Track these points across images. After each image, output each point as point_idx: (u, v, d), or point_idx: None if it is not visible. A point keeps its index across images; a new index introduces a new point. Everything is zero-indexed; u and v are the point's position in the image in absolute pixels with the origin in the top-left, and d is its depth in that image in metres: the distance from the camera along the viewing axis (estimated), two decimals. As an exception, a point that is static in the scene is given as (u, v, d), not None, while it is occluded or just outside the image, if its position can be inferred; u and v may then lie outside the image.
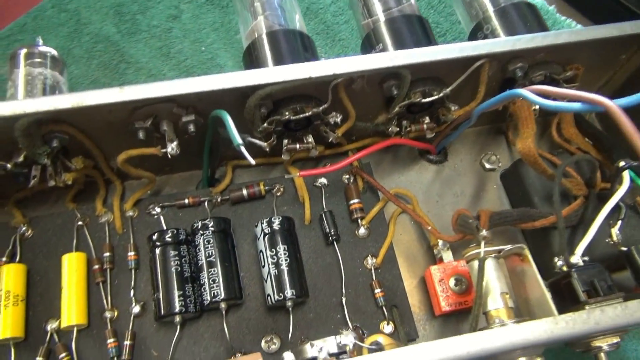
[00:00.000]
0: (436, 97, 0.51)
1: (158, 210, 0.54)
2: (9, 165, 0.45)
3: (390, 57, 0.47)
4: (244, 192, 0.55)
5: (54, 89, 0.51)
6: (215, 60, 0.84)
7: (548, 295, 0.41)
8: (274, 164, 0.61)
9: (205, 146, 0.52)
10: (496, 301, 0.42)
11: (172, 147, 0.46)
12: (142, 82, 0.55)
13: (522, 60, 0.51)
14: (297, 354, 0.37)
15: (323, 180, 0.57)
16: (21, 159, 0.45)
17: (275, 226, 0.50)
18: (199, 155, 0.55)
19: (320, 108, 0.49)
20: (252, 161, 0.39)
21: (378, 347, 0.35)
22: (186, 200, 0.54)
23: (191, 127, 0.47)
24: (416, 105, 0.54)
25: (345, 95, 0.49)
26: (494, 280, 0.42)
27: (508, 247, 0.44)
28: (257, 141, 0.39)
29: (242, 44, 0.70)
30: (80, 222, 0.53)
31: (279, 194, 0.56)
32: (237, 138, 0.38)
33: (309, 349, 0.37)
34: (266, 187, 0.55)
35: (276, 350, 0.49)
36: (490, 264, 0.43)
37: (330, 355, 0.35)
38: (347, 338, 0.35)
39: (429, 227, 0.51)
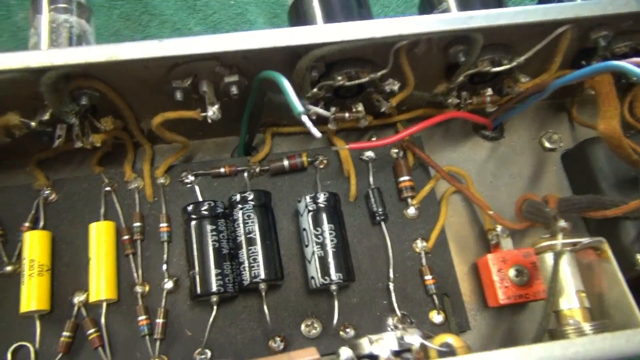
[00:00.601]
0: (507, 66, 0.45)
1: (191, 178, 0.50)
2: (33, 124, 0.41)
3: (465, 19, 0.41)
4: (285, 162, 0.50)
5: (80, 40, 0.46)
6: (245, 16, 0.78)
7: (630, 297, 0.36)
8: (315, 133, 0.56)
9: (246, 111, 0.47)
10: (570, 300, 0.38)
11: (213, 111, 0.42)
12: (169, 37, 0.49)
13: (607, 28, 0.45)
14: (352, 348, 0.33)
15: (370, 154, 0.52)
16: (46, 117, 0.41)
17: (321, 203, 0.46)
18: (237, 121, 0.50)
19: (378, 74, 0.43)
20: (318, 133, 0.34)
21: (449, 350, 0.31)
22: (222, 169, 0.50)
23: (234, 89, 0.42)
24: (480, 75, 0.48)
25: (406, 60, 0.44)
26: (568, 277, 0.38)
27: (586, 240, 0.39)
28: (320, 110, 0.35)
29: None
30: (108, 188, 0.49)
31: (321, 166, 0.51)
32: (299, 105, 0.33)
33: (367, 345, 0.33)
34: (309, 159, 0.51)
35: (317, 336, 0.46)
36: (565, 259, 0.38)
37: (395, 354, 0.31)
38: (413, 337, 0.32)
39: (491, 212, 0.46)
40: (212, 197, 0.48)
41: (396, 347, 0.32)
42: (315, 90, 0.44)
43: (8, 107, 0.41)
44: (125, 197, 0.49)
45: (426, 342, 0.31)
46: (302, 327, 0.46)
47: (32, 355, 0.34)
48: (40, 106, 0.42)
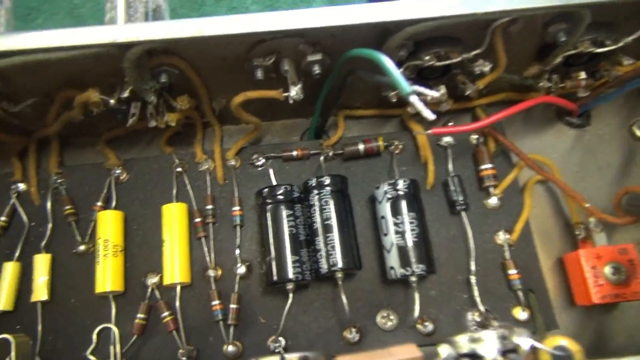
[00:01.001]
0: (611, 47, 0.41)
1: (262, 161, 0.48)
2: (112, 101, 0.40)
3: (574, -7, 0.37)
4: (361, 147, 0.48)
5: (155, 15, 0.44)
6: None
7: None
8: (387, 117, 0.53)
9: (323, 91, 0.44)
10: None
11: (295, 91, 0.40)
12: (225, 14, 0.47)
13: None
14: (450, 344, 0.31)
15: (449, 140, 0.49)
16: (126, 94, 0.39)
17: (401, 190, 0.44)
18: (309, 102, 0.48)
19: (472, 54, 0.40)
20: (431, 115, 0.31)
21: (565, 354, 0.28)
22: (294, 152, 0.48)
23: (316, 68, 0.40)
24: (575, 57, 0.45)
25: (501, 39, 0.41)
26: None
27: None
28: (428, 90, 0.32)
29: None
30: (179, 169, 0.47)
31: (397, 151, 0.49)
32: (406, 85, 0.30)
33: (466, 343, 0.31)
34: (385, 144, 0.48)
35: (393, 328, 0.44)
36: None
37: (503, 355, 0.29)
38: (522, 338, 0.29)
39: (587, 205, 0.43)
40: (283, 181, 0.47)
41: (498, 346, 0.30)
42: (400, 70, 0.41)
43: (88, 84, 0.40)
44: (196, 179, 0.48)
45: (538, 344, 0.29)
46: (378, 318, 0.44)
47: (117, 336, 0.33)
48: (118, 83, 0.40)
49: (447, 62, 0.40)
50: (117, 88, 0.41)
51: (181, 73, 0.40)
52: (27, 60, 0.34)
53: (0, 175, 0.47)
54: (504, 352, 0.30)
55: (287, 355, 0.30)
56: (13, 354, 0.32)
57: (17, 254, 0.44)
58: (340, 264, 0.42)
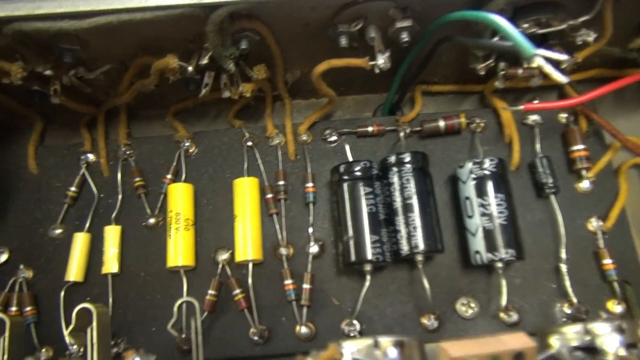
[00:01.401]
0: None
1: (335, 137, 0.46)
2: (190, 68, 0.38)
3: None
4: (441, 123, 0.45)
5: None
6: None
7: None
8: (465, 94, 0.50)
9: (405, 62, 0.42)
10: None
11: (383, 59, 0.37)
12: None
13: None
14: (559, 335, 0.28)
15: (536, 118, 0.45)
16: (205, 60, 0.38)
17: (487, 169, 0.41)
18: (385, 76, 0.46)
19: (579, 20, 0.37)
20: (563, 77, 0.28)
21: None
22: (369, 128, 0.46)
23: (404, 36, 0.38)
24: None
25: (611, 5, 0.37)
26: None
27: None
28: (554, 53, 0.29)
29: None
30: (249, 143, 0.46)
31: (478, 130, 0.46)
32: (530, 46, 0.27)
33: (579, 333, 0.28)
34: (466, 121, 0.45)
35: (474, 317, 0.41)
36: None
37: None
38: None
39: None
40: (356, 158, 0.44)
41: (622, 340, 0.27)
42: (495, 40, 0.38)
43: (165, 50, 0.38)
44: (266, 154, 0.46)
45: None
46: (457, 305, 0.42)
47: (198, 311, 0.32)
48: (196, 50, 0.39)
49: (549, 29, 0.37)
50: (195, 55, 0.39)
51: (261, 40, 0.38)
52: (110, 21, 0.33)
53: (69, 146, 0.47)
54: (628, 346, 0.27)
55: (380, 339, 0.28)
56: (95, 323, 0.31)
57: (87, 225, 0.44)
58: (422, 246, 0.39)
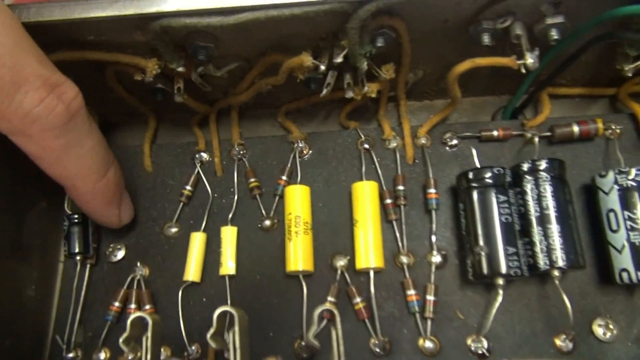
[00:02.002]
0: None
1: (455, 141, 0.44)
2: (322, 67, 0.37)
3: None
4: (575, 129, 0.42)
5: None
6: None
7: None
8: (594, 97, 0.47)
9: (542, 62, 0.39)
10: None
11: (532, 59, 0.35)
12: None
13: None
14: None
15: (682, 125, 0.42)
16: (340, 59, 0.36)
17: (635, 179, 0.37)
18: (508, 77, 0.43)
19: None
20: None
21: None
22: (495, 132, 0.43)
23: (554, 33, 0.35)
24: None
25: None
26: None
27: None
28: None
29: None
30: (366, 145, 0.44)
31: (614, 136, 0.42)
32: None
33: None
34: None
35: (612, 340, 0.38)
36: None
37: None
38: None
39: None
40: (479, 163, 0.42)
41: None
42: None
43: (295, 48, 0.37)
44: (383, 157, 0.44)
45: None
46: (594, 326, 0.39)
47: (338, 319, 0.31)
48: (327, 48, 0.37)
49: None
50: (324, 53, 0.38)
51: (396, 38, 0.37)
52: (257, 17, 0.32)
53: (182, 144, 0.46)
54: None
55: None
56: (149, 333, 0.31)
57: (203, 224, 0.43)
58: (563, 262, 0.36)
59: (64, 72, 0.32)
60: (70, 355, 0.41)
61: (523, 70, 0.35)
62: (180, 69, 0.37)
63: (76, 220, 0.42)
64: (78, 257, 0.42)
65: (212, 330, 0.30)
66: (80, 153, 0.32)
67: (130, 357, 0.33)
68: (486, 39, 0.36)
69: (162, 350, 0.39)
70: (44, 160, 0.32)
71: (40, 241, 0.43)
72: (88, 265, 0.43)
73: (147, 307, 0.41)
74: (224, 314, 0.31)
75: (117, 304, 0.41)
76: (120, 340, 0.31)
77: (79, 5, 0.32)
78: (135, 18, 0.32)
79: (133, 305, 0.41)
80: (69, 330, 0.41)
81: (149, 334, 0.31)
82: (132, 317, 0.31)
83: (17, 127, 0.29)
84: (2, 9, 0.27)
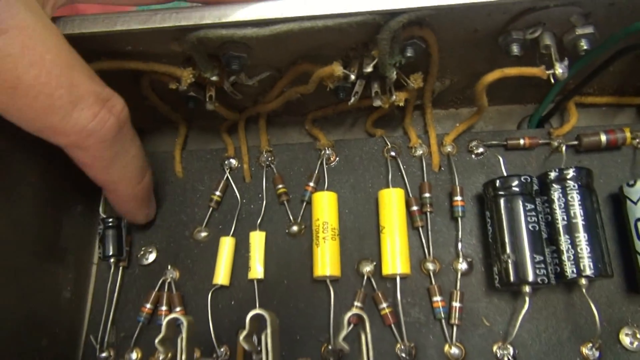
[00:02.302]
0: None
1: (482, 149, 0.44)
2: (352, 77, 0.38)
3: None
4: (603, 138, 0.42)
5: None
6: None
7: None
8: (621, 106, 0.47)
9: (570, 72, 0.39)
10: None
11: (562, 69, 0.35)
12: None
13: None
14: None
15: None
16: (369, 69, 0.37)
17: (664, 189, 0.37)
18: (534, 86, 0.44)
19: None
20: None
21: None
22: (521, 141, 0.43)
23: (583, 44, 0.35)
24: None
25: None
26: None
27: None
28: None
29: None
30: (393, 153, 0.45)
31: (642, 146, 0.43)
32: None
33: None
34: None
35: (639, 350, 0.38)
36: None
37: None
38: None
39: None
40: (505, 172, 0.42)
41: None
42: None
43: (325, 58, 0.38)
44: (409, 164, 0.45)
45: None
46: (621, 335, 0.39)
47: (367, 324, 0.31)
48: (356, 57, 0.38)
49: None
50: (354, 63, 0.38)
51: (426, 48, 0.37)
52: (291, 28, 0.33)
53: (212, 151, 0.48)
54: None
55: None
56: (184, 334, 0.32)
57: (232, 229, 0.44)
58: (590, 270, 0.36)
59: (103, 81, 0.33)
60: (103, 355, 0.42)
61: (552, 80, 0.36)
62: (214, 78, 0.38)
63: (111, 224, 0.43)
64: (112, 260, 0.43)
65: (244, 332, 0.31)
66: (125, 160, 0.34)
67: (161, 358, 0.34)
68: (515, 49, 0.36)
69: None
70: (94, 168, 0.34)
71: (76, 244, 0.44)
72: (121, 268, 0.44)
73: (178, 309, 0.42)
74: (256, 316, 0.31)
75: (148, 305, 0.42)
76: (157, 340, 0.32)
77: (120, 18, 0.34)
78: (174, 29, 0.33)
79: (164, 307, 0.42)
80: (102, 330, 0.42)
81: (184, 334, 0.31)
82: (167, 318, 0.32)
83: (74, 141, 0.31)
84: (52, 30, 0.29)
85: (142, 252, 0.45)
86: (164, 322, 0.32)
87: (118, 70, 0.38)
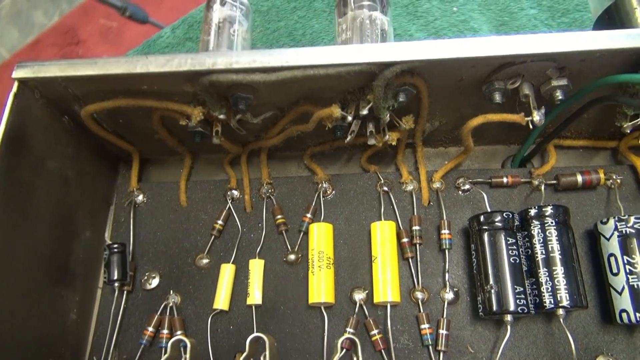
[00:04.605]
0: None
1: (468, 186, 0.48)
2: (349, 118, 0.41)
3: None
4: (579, 178, 0.45)
5: (383, 35, 0.46)
6: (469, 24, 0.74)
7: None
8: (597, 149, 0.50)
9: (548, 118, 0.43)
10: None
11: (538, 116, 0.39)
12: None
13: None
14: None
15: (679, 177, 0.45)
16: (365, 111, 0.41)
17: (634, 227, 0.40)
18: (517, 129, 0.47)
19: None
20: None
21: None
22: (505, 179, 0.47)
23: (558, 94, 0.39)
24: None
25: None
26: None
27: None
28: None
29: (499, 7, 0.63)
30: (385, 188, 0.48)
31: (615, 186, 0.46)
32: None
33: None
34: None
35: (614, 377, 0.41)
36: None
37: None
38: None
39: None
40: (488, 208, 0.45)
41: None
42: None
43: (324, 100, 0.41)
44: (400, 199, 0.48)
45: None
46: (597, 364, 0.41)
47: (359, 348, 0.33)
48: (353, 100, 0.42)
49: None
50: (351, 105, 0.42)
51: (417, 94, 0.41)
52: (295, 75, 0.36)
53: (215, 182, 0.50)
54: None
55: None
56: (188, 355, 0.34)
57: (233, 257, 0.47)
58: (567, 301, 0.39)
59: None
60: (105, 376, 0.44)
61: (530, 126, 0.39)
62: (221, 117, 0.42)
63: (116, 250, 0.45)
64: (116, 284, 0.45)
65: (244, 354, 0.33)
66: None
67: None
68: (497, 97, 0.40)
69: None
70: None
71: (83, 268, 0.46)
72: (125, 292, 0.46)
73: (179, 332, 0.44)
74: (256, 339, 0.34)
75: (150, 329, 0.44)
76: (162, 360, 0.34)
77: (140, 61, 0.37)
78: (189, 73, 0.37)
79: (166, 331, 0.44)
80: (105, 352, 0.44)
81: (188, 356, 0.34)
82: (173, 339, 0.34)
83: None
84: None
85: (145, 277, 0.47)
86: (169, 343, 0.34)
87: (133, 107, 0.41)
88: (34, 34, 1.57)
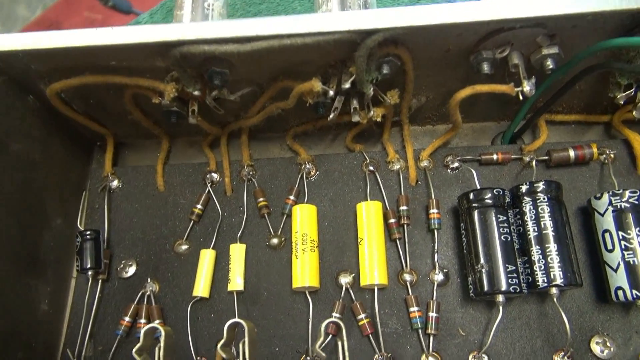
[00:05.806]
0: None
1: (457, 164, 0.46)
2: (331, 92, 0.39)
3: None
4: (572, 153, 0.44)
5: (365, 3, 0.43)
6: None
7: None
8: (589, 124, 0.49)
9: (538, 91, 0.41)
10: None
11: (529, 86, 0.37)
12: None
13: None
14: None
15: (673, 150, 0.44)
16: (347, 85, 0.38)
17: (629, 201, 0.39)
18: (507, 104, 0.45)
19: None
20: None
21: None
22: (494, 156, 0.45)
23: (549, 63, 0.37)
24: None
25: None
26: None
27: None
28: None
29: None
30: (371, 167, 0.46)
31: (609, 160, 0.44)
32: None
33: None
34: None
35: (610, 357, 0.39)
36: None
37: None
38: None
39: None
40: (480, 186, 0.43)
41: None
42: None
43: (305, 75, 0.39)
44: (387, 178, 0.46)
45: None
46: (592, 344, 0.40)
47: (344, 332, 0.32)
48: (335, 74, 0.40)
49: None
50: (333, 79, 0.40)
51: (401, 66, 0.39)
52: (271, 45, 0.34)
53: (194, 165, 0.48)
54: None
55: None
56: (162, 344, 0.32)
57: (213, 242, 0.45)
58: (560, 280, 0.38)
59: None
60: (80, 369, 0.42)
61: (520, 97, 0.37)
62: (196, 93, 0.39)
63: (88, 237, 0.43)
64: (90, 273, 0.43)
65: (222, 341, 0.32)
66: None
67: None
68: (486, 67, 0.38)
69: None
70: None
71: (55, 257, 0.44)
72: (99, 281, 0.44)
73: (157, 321, 0.42)
74: (234, 325, 0.32)
75: (127, 318, 0.42)
76: (134, 350, 0.32)
77: (104, 32, 0.34)
78: (158, 45, 0.34)
79: (143, 320, 0.42)
80: (80, 344, 0.42)
81: (162, 344, 0.32)
82: (145, 327, 0.32)
83: None
84: None
85: (122, 265, 0.45)
86: (142, 332, 0.32)
87: (102, 84, 0.39)
88: (17, 28, 1.53)
